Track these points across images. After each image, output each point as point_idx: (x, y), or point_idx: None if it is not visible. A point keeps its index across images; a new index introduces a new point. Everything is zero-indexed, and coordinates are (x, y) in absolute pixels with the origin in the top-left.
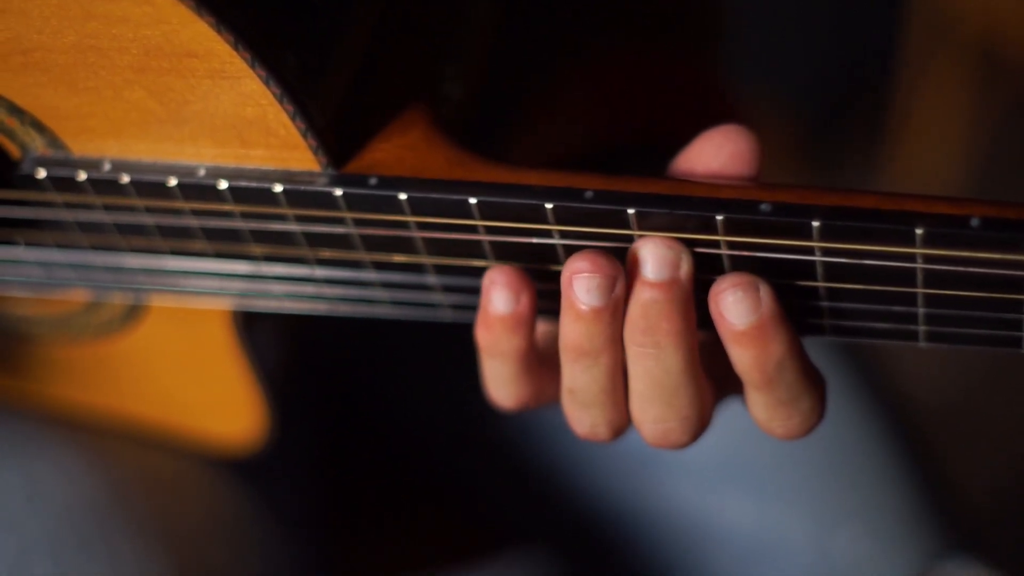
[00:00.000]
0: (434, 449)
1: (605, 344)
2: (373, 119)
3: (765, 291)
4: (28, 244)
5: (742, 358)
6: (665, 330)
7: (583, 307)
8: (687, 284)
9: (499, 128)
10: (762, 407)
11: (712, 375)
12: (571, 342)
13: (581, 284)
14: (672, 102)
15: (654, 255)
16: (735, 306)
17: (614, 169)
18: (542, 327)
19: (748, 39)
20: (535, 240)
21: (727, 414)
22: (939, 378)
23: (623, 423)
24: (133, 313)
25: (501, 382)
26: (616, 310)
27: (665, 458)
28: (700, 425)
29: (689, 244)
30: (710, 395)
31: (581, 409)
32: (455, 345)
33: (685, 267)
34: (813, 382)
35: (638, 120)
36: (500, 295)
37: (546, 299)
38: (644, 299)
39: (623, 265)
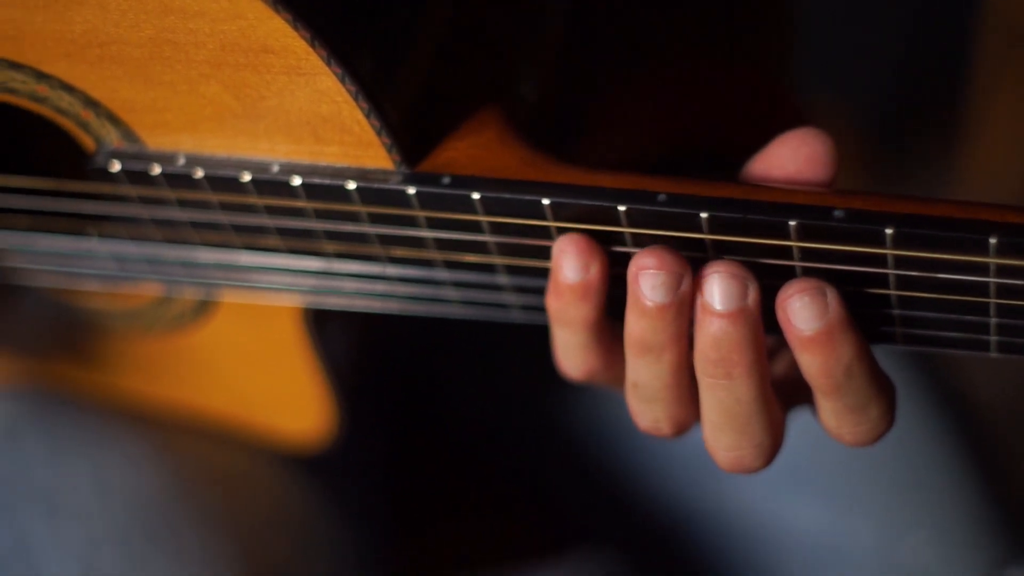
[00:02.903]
0: (502, 448)
1: (669, 340)
2: (447, 118)
3: (832, 295)
4: (102, 237)
5: (810, 364)
6: (736, 361)
7: (648, 303)
8: (755, 311)
9: (567, 130)
10: (831, 414)
11: (781, 385)
12: (635, 337)
13: (647, 280)
14: (741, 109)
15: (721, 286)
16: (802, 311)
17: (682, 174)
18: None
19: (819, 47)
20: (608, 248)
21: (796, 419)
22: (1008, 385)
23: (687, 420)
24: (204, 308)
25: (570, 351)
26: (682, 307)
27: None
28: (773, 449)
29: (761, 249)
30: (781, 416)
31: (644, 404)
32: (525, 345)
33: (752, 294)
34: (882, 388)
35: (706, 126)
36: (570, 263)
37: (615, 306)
38: (713, 330)
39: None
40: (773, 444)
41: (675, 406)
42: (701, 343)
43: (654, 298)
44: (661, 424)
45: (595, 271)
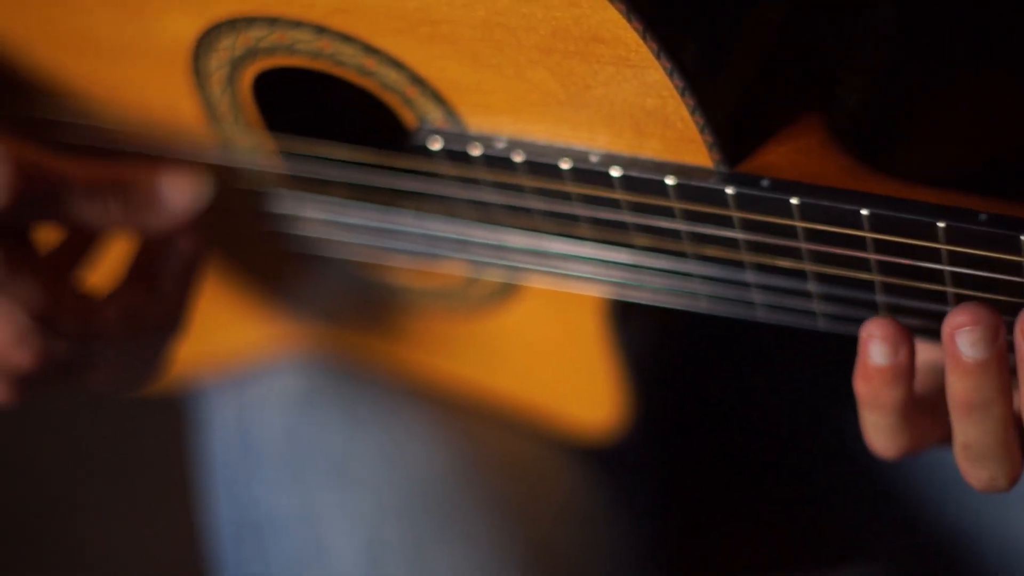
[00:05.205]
0: (787, 456)
1: (995, 394)
2: (768, 120)
3: None
4: (416, 213)
5: None
6: None
7: (968, 361)
8: None
9: (883, 140)
10: None
11: None
12: (960, 397)
13: (964, 338)
14: None
15: None
16: None
17: (997, 192)
18: (922, 371)
19: None
20: (922, 264)
21: None
22: None
23: (1019, 471)
24: (508, 292)
25: (881, 433)
26: (1002, 359)
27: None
28: None
29: None
30: None
31: (977, 463)
32: (823, 354)
33: None
34: None
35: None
36: (878, 348)
37: (928, 319)
38: None
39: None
40: None
41: (1008, 460)
42: None
43: (974, 355)
44: (998, 480)
45: (903, 354)
